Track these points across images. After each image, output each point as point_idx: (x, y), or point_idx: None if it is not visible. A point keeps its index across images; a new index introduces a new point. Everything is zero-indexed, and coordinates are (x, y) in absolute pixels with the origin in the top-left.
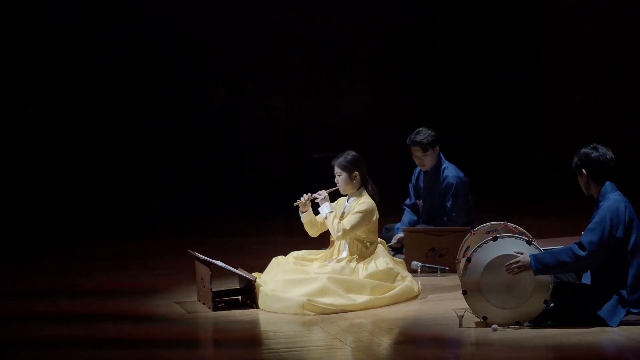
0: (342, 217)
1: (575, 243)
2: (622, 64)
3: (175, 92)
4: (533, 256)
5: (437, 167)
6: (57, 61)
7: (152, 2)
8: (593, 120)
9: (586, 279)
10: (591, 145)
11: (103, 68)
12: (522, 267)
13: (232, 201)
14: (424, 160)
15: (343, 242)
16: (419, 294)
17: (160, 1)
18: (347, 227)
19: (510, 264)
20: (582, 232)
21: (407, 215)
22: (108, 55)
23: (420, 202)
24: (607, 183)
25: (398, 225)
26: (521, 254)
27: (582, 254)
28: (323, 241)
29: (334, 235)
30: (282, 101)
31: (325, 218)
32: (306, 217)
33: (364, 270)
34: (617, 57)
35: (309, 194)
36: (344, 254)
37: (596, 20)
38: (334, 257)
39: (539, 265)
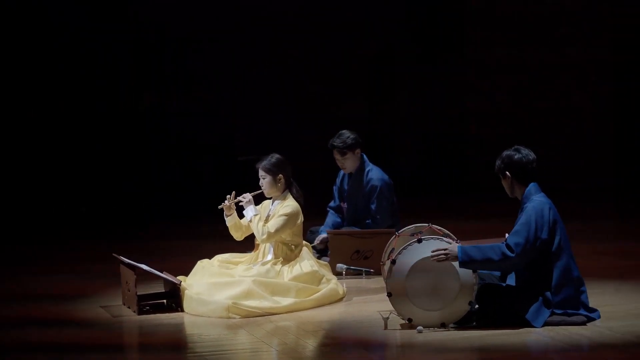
0: (266, 220)
1: (502, 242)
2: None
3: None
4: (461, 247)
5: (360, 170)
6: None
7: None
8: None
9: (510, 280)
10: (513, 147)
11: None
12: (449, 256)
13: (156, 204)
14: (344, 163)
15: (268, 245)
16: (344, 297)
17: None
18: (272, 230)
19: (438, 251)
20: (507, 235)
21: (331, 217)
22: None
23: (344, 205)
24: (531, 184)
25: (322, 227)
26: (450, 243)
27: (510, 254)
28: (248, 244)
29: (258, 238)
30: (212, 103)
31: (250, 221)
32: (231, 220)
33: (289, 272)
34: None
35: (233, 195)
36: (269, 256)
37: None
38: (259, 260)
39: (466, 257)
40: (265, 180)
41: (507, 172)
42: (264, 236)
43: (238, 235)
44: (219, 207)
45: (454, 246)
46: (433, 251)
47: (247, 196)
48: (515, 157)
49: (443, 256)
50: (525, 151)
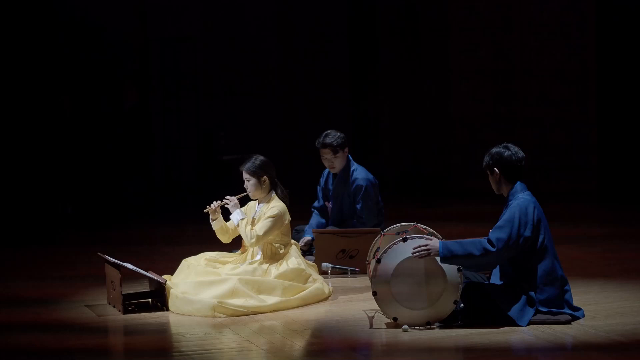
0: (253, 222)
1: (484, 238)
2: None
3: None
4: (442, 243)
5: (346, 170)
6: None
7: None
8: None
9: (495, 278)
10: (503, 145)
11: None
12: (430, 252)
13: (142, 203)
14: (333, 163)
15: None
16: (330, 296)
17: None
18: (260, 233)
19: (419, 247)
20: (490, 230)
21: (315, 218)
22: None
23: (329, 205)
24: (518, 183)
25: (306, 228)
26: (431, 239)
27: (492, 249)
28: (234, 243)
29: (247, 242)
30: (194, 103)
31: (237, 225)
32: (217, 224)
33: (276, 270)
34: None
35: (219, 201)
36: (258, 257)
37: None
38: (248, 260)
39: (447, 252)
40: (249, 183)
41: (496, 169)
42: (253, 240)
43: (225, 239)
44: (205, 211)
45: (435, 242)
46: (414, 248)
47: (233, 199)
48: (505, 154)
49: (425, 252)
50: (514, 149)
